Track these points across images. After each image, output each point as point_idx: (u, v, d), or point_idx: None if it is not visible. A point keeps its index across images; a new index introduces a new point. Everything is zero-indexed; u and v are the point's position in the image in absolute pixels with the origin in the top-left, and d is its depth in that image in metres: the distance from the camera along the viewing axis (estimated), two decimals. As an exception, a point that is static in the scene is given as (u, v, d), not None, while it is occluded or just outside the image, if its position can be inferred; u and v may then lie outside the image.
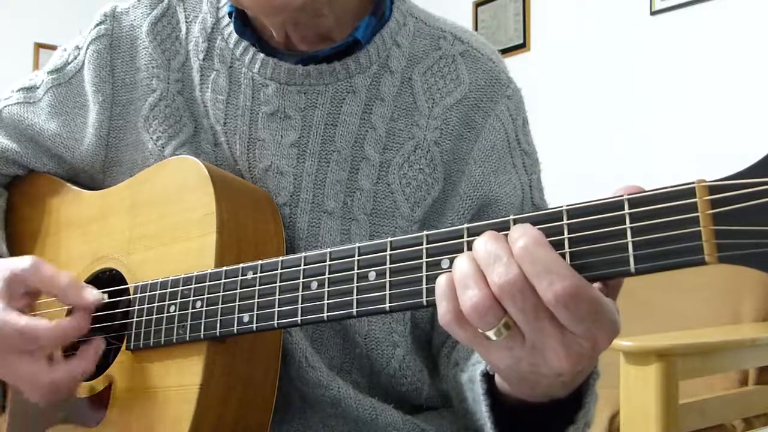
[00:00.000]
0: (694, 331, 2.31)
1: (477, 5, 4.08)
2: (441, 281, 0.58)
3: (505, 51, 3.78)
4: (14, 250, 1.03)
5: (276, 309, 0.71)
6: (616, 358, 1.82)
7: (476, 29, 3.99)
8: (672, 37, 3.25)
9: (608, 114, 3.43)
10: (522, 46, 3.84)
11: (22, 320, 0.80)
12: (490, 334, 0.56)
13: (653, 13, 3.32)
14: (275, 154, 0.91)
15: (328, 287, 0.67)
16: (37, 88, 1.05)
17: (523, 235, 0.55)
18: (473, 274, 0.56)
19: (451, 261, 0.60)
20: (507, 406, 0.69)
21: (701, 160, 3.01)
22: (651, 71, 3.29)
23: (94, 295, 0.82)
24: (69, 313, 0.93)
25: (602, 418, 2.14)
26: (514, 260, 0.55)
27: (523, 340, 0.56)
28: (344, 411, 0.89)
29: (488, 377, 0.70)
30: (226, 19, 0.96)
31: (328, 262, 0.68)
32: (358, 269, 0.66)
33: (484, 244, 0.56)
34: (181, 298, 0.80)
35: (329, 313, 0.67)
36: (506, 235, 0.57)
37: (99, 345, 0.83)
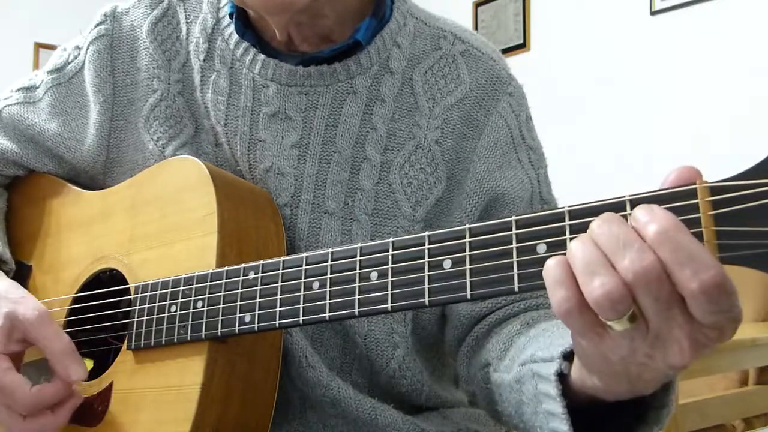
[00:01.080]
0: (694, 331, 2.30)
1: (477, 5, 4.08)
2: (554, 268, 0.54)
3: (505, 51, 3.78)
4: (15, 252, 1.03)
5: (278, 309, 0.71)
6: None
7: (476, 29, 3.99)
8: (672, 37, 3.25)
9: (608, 114, 3.43)
10: (522, 46, 3.84)
11: (7, 377, 0.80)
12: (615, 324, 0.52)
13: (653, 13, 3.32)
14: (276, 155, 0.91)
15: (330, 287, 0.67)
16: (37, 88, 1.04)
17: (659, 219, 0.50)
18: (601, 260, 0.51)
19: (453, 261, 0.60)
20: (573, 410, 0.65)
21: (701, 160, 3.01)
22: (651, 71, 3.29)
23: (78, 372, 0.82)
24: (69, 314, 0.93)
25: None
26: (648, 245, 0.50)
27: (647, 330, 0.52)
28: (344, 411, 0.89)
29: (562, 377, 0.66)
30: (227, 20, 0.96)
31: (329, 262, 0.68)
32: (360, 269, 0.66)
33: (608, 227, 0.52)
34: (182, 298, 0.80)
35: (331, 313, 0.67)
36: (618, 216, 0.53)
37: (75, 403, 0.84)
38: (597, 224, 0.53)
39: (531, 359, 0.72)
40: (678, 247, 0.49)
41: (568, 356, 0.65)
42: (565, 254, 0.54)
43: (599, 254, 0.52)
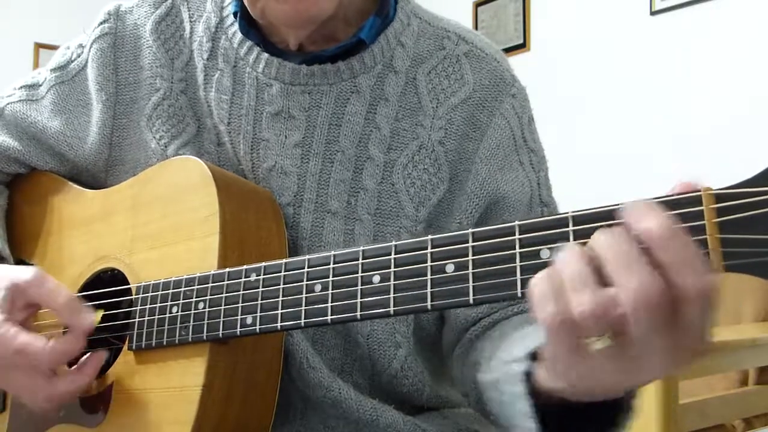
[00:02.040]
0: (693, 332, 2.30)
1: (477, 5, 4.08)
2: (540, 282, 0.54)
3: (505, 51, 3.75)
4: (16, 250, 1.03)
5: (279, 311, 0.71)
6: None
7: (476, 29, 3.98)
8: (672, 37, 3.25)
9: (608, 114, 3.43)
10: (522, 46, 3.84)
11: (19, 338, 0.80)
12: (597, 342, 0.53)
13: (653, 13, 3.32)
14: (279, 154, 0.91)
15: (332, 290, 0.67)
16: (40, 85, 1.04)
17: (657, 221, 0.50)
18: (584, 278, 0.52)
19: (456, 265, 0.60)
20: (546, 408, 0.66)
21: (701, 161, 3.01)
22: (651, 71, 3.29)
23: (88, 319, 0.82)
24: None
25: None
26: (631, 269, 0.50)
27: (627, 348, 0.53)
28: (345, 412, 0.89)
29: (529, 376, 0.67)
30: (231, 19, 0.96)
31: (331, 265, 0.68)
32: (362, 272, 0.66)
33: (604, 238, 0.52)
34: (183, 299, 0.80)
35: (333, 316, 0.67)
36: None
37: (99, 359, 0.84)
38: (596, 239, 0.52)
39: (512, 359, 0.73)
40: (673, 252, 0.49)
41: (534, 355, 0.66)
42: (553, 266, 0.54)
43: (586, 271, 0.52)
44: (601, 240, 0.52)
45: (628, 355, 0.53)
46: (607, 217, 0.53)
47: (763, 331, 2.32)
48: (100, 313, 0.85)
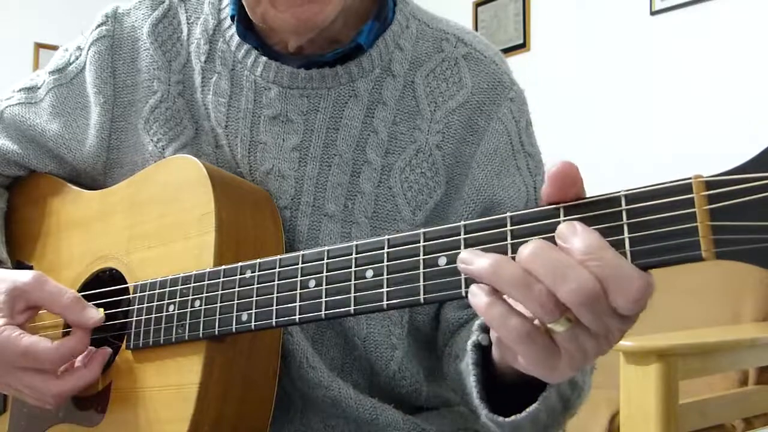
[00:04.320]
0: (694, 331, 2.30)
1: (477, 5, 4.08)
2: (483, 300, 0.56)
3: (505, 51, 3.77)
4: (15, 252, 1.03)
5: (274, 307, 0.71)
6: (616, 358, 1.82)
7: (476, 29, 3.98)
8: (672, 37, 3.25)
9: (608, 114, 3.43)
10: (522, 46, 3.84)
11: (23, 341, 0.81)
12: (555, 325, 0.54)
13: (653, 13, 3.32)
14: (277, 158, 0.91)
15: (326, 285, 0.67)
16: (39, 88, 1.05)
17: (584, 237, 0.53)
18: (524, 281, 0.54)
19: (448, 258, 0.60)
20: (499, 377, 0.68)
21: (700, 160, 3.01)
22: (651, 71, 3.29)
23: (93, 316, 0.83)
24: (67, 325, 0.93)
25: (602, 418, 2.14)
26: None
27: (586, 330, 0.55)
28: (345, 411, 0.89)
29: (480, 347, 0.69)
30: (228, 21, 0.95)
31: (325, 261, 0.68)
32: (355, 267, 0.66)
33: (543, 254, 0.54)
34: (180, 297, 0.80)
35: (327, 311, 0.67)
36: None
37: (104, 355, 0.85)
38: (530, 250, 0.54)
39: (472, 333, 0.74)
40: (606, 265, 0.52)
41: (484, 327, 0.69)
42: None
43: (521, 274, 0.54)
44: (527, 252, 0.54)
45: (590, 336, 0.55)
46: (597, 206, 0.54)
47: (763, 331, 2.32)
48: (102, 310, 0.86)
